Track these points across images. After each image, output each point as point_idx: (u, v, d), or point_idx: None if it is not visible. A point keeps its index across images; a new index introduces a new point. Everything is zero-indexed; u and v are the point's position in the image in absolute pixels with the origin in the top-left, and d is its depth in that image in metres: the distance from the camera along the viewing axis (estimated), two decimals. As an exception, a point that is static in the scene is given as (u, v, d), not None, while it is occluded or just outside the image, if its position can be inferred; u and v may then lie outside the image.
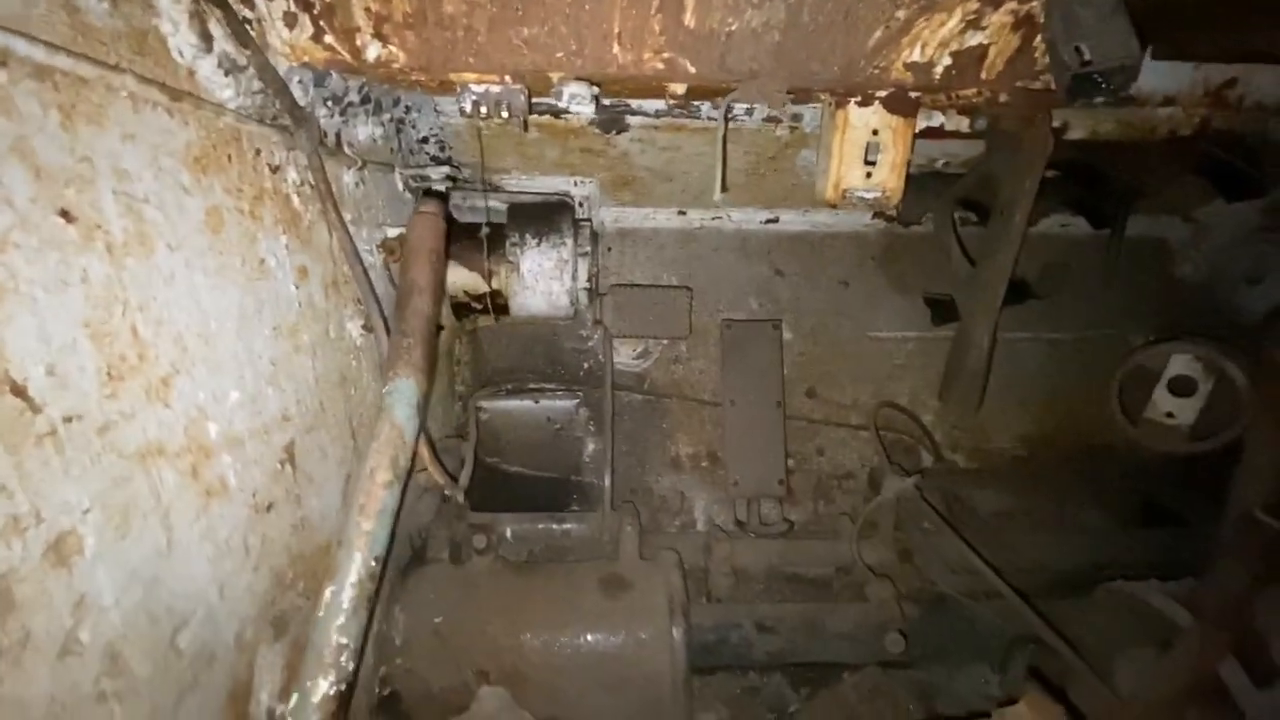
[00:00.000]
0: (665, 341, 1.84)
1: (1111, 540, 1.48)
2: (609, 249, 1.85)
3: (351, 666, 0.83)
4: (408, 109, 1.42)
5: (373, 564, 0.87)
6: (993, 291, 1.15)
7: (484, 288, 1.69)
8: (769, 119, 1.28)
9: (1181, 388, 1.25)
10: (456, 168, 1.62)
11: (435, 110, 1.39)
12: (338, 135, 1.14)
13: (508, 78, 0.97)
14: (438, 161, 1.62)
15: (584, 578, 1.31)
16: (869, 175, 1.09)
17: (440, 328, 1.49)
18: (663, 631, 1.21)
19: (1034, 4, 0.81)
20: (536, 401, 1.81)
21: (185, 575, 0.73)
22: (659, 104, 1.21)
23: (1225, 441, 1.05)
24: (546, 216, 1.64)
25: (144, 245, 0.69)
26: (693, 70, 0.89)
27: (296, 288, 0.98)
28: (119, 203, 0.66)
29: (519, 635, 1.22)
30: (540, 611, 1.25)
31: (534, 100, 1.02)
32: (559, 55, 0.91)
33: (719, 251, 1.83)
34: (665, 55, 0.89)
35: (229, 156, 0.83)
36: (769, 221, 1.83)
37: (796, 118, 1.25)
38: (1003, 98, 0.94)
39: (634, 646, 1.22)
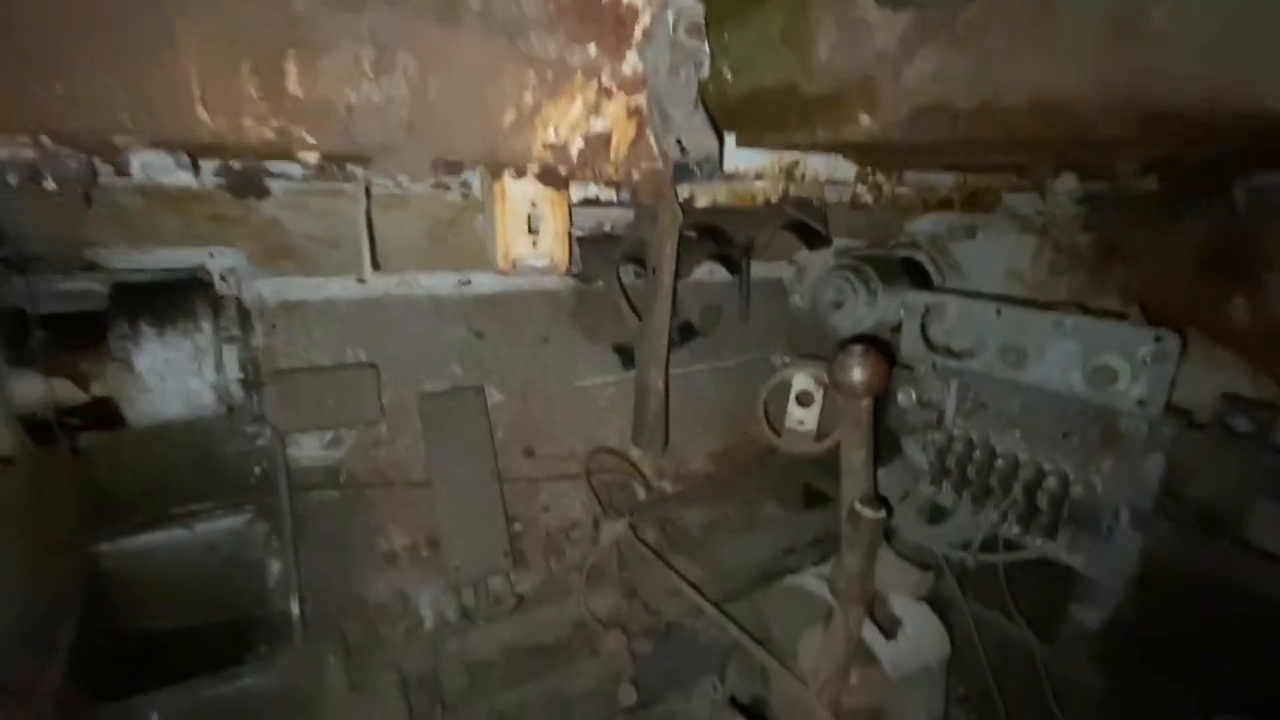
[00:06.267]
0: (360, 425, 1.62)
1: (786, 527, 1.76)
2: (273, 326, 1.57)
3: None
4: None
5: None
6: (658, 340, 1.28)
7: (82, 396, 1.29)
8: (437, 185, 1.23)
9: (805, 400, 1.57)
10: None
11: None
12: None
13: (45, 140, 0.73)
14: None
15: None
16: (535, 244, 1.11)
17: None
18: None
19: (641, 99, 0.92)
20: (190, 528, 1.44)
21: None
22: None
23: (835, 441, 1.33)
24: (170, 298, 1.33)
25: None
26: (312, 141, 0.79)
27: None
28: None
29: None
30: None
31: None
32: (121, 117, 0.72)
33: (411, 319, 1.70)
34: (274, 124, 0.77)
35: None
36: (463, 284, 1.77)
37: (466, 184, 1.22)
38: (634, 175, 1.05)
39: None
